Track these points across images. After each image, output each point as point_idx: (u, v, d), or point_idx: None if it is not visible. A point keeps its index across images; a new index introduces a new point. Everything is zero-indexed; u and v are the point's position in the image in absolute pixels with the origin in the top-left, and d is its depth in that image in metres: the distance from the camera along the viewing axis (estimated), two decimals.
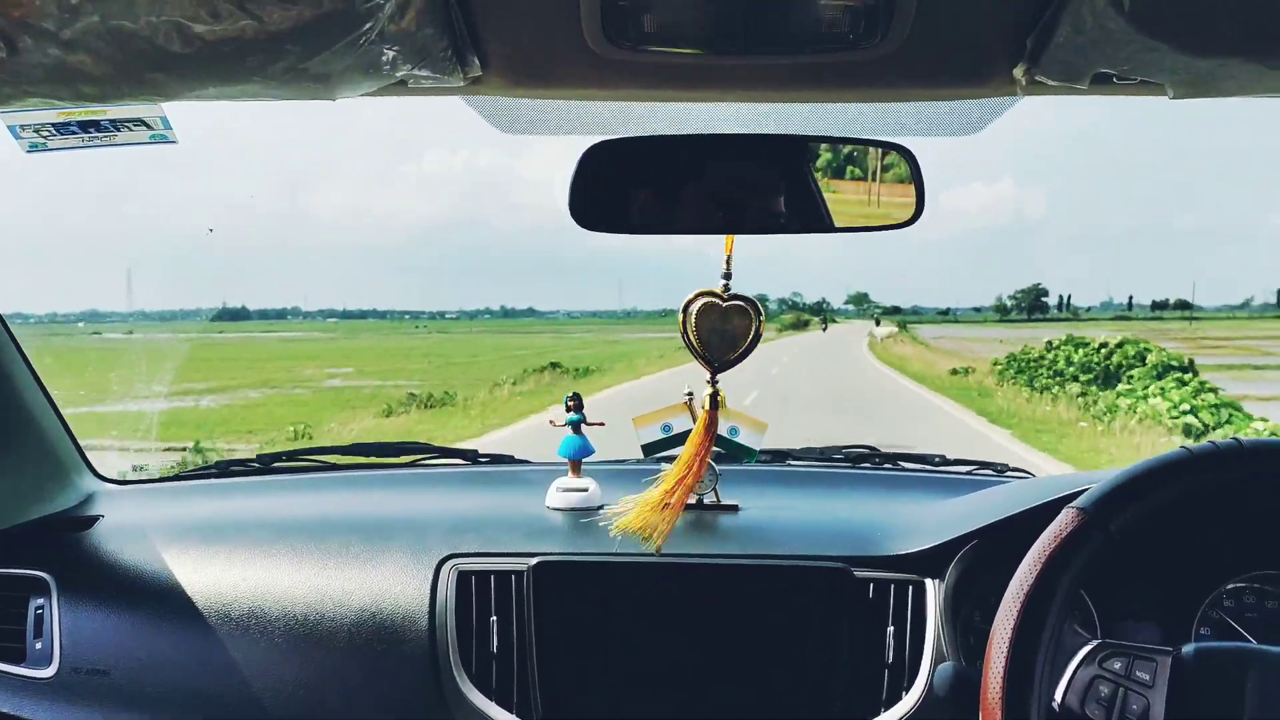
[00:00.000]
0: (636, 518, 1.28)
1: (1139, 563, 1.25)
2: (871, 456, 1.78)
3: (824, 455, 1.79)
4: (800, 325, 74.56)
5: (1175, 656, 0.89)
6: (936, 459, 1.79)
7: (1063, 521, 0.90)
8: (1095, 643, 0.93)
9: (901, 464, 1.77)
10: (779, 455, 1.78)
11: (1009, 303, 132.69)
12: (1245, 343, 39.48)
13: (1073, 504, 0.92)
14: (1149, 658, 0.90)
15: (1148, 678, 0.89)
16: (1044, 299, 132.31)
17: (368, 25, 0.80)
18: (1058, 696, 0.90)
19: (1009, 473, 1.73)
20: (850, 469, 1.75)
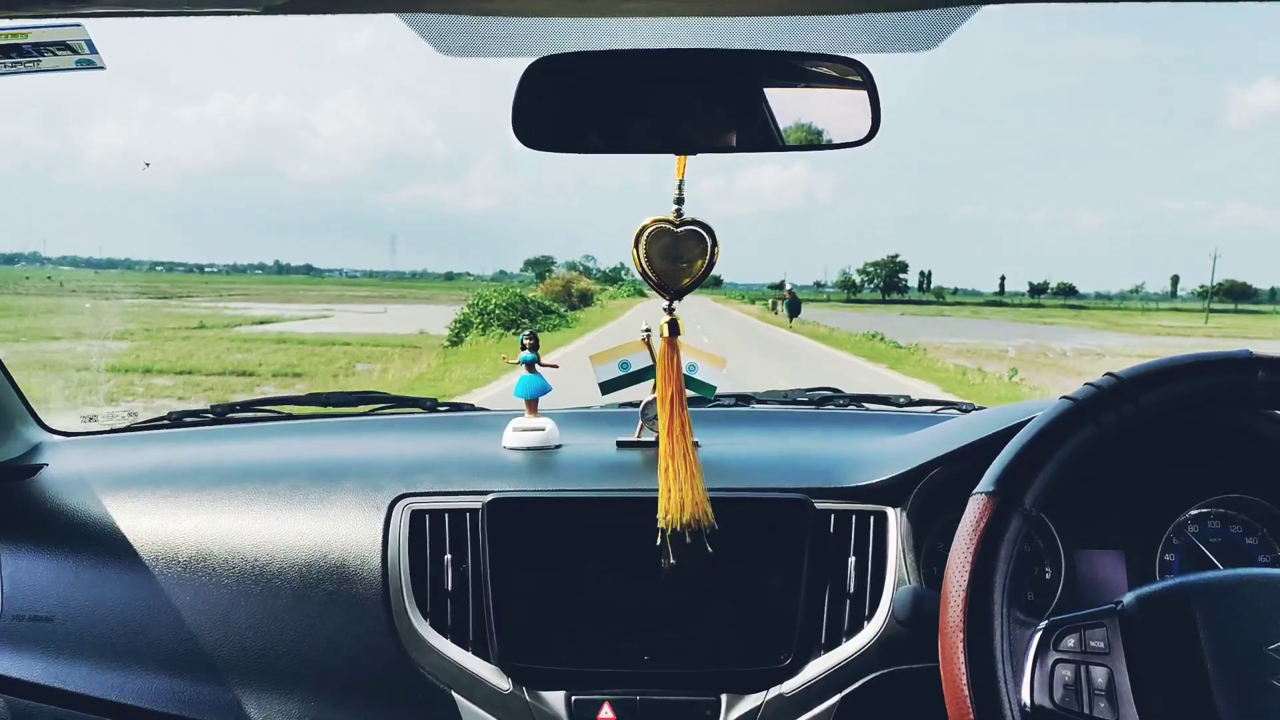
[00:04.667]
0: (675, 504, 1.18)
1: (1098, 492, 1.25)
2: (835, 398, 1.78)
3: (788, 397, 1.78)
4: (582, 304, 38.67)
5: (1120, 613, 0.88)
6: (901, 399, 1.79)
7: (976, 511, 0.89)
8: (1043, 626, 0.90)
9: (865, 404, 1.77)
10: (743, 399, 1.77)
11: (859, 278, 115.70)
12: None
13: (979, 490, 0.90)
14: (1098, 622, 0.88)
15: (1102, 645, 0.87)
16: (902, 275, 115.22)
17: None
18: (1026, 699, 0.87)
19: (975, 410, 1.73)
20: (814, 409, 1.74)
